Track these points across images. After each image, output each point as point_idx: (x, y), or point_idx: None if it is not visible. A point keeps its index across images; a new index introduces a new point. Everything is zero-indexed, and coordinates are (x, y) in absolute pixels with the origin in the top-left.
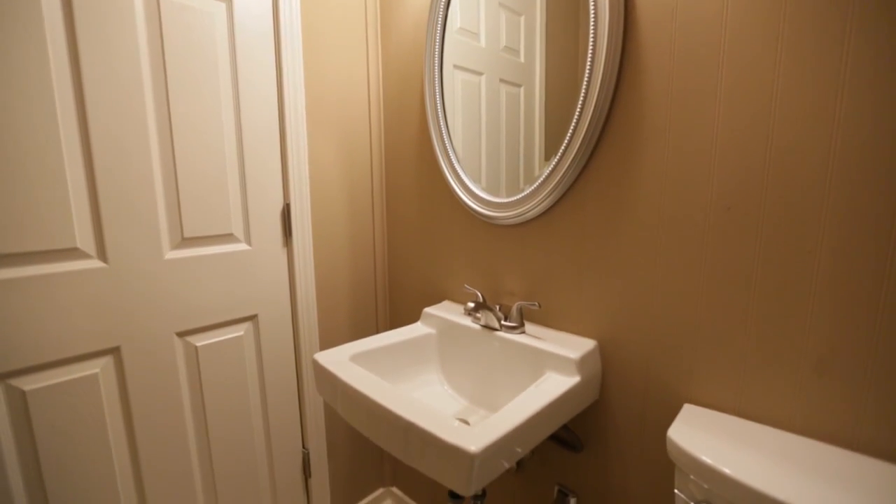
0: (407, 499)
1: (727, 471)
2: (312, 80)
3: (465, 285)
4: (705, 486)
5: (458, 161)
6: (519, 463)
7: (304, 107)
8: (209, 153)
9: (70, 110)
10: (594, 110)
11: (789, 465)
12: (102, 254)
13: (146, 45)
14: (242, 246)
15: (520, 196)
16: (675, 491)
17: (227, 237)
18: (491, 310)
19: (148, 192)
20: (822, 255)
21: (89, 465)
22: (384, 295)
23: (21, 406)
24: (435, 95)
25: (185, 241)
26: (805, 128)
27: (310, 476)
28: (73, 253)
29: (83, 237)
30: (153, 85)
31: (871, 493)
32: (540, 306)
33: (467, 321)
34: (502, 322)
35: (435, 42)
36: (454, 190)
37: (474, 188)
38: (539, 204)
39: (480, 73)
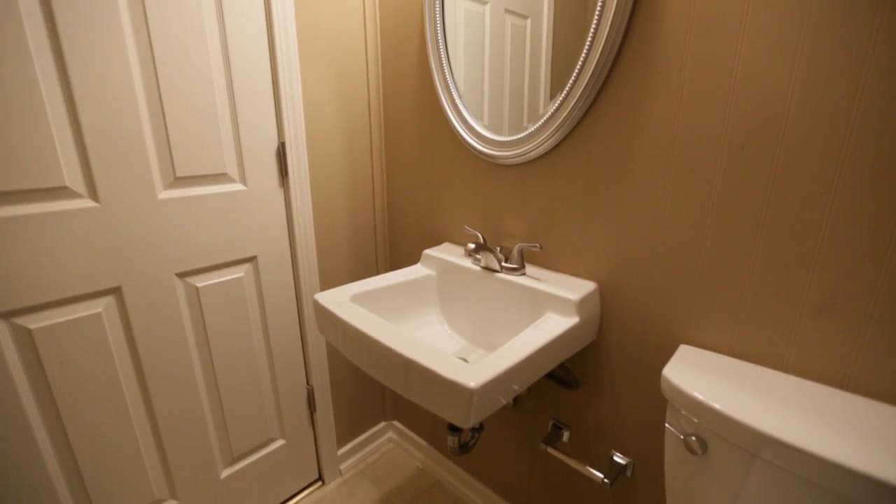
0: (408, 431)
1: (717, 406)
2: (304, 8)
3: (466, 227)
4: (695, 420)
5: (460, 96)
6: (516, 399)
7: (295, 37)
8: (196, 86)
9: (43, 43)
10: (605, 44)
11: (779, 402)
12: (93, 193)
13: None
14: (238, 186)
15: (523, 134)
16: (667, 425)
17: (222, 177)
18: (491, 251)
19: (135, 128)
20: (834, 197)
21: (102, 401)
22: (384, 236)
23: (29, 344)
24: (436, 25)
25: (179, 181)
26: (832, 64)
27: (315, 410)
28: (62, 192)
29: (71, 176)
30: (130, 9)
31: (859, 428)
32: (541, 248)
33: (467, 263)
34: (503, 264)
35: None
36: (455, 127)
37: (476, 125)
38: (543, 143)
39: (485, 2)
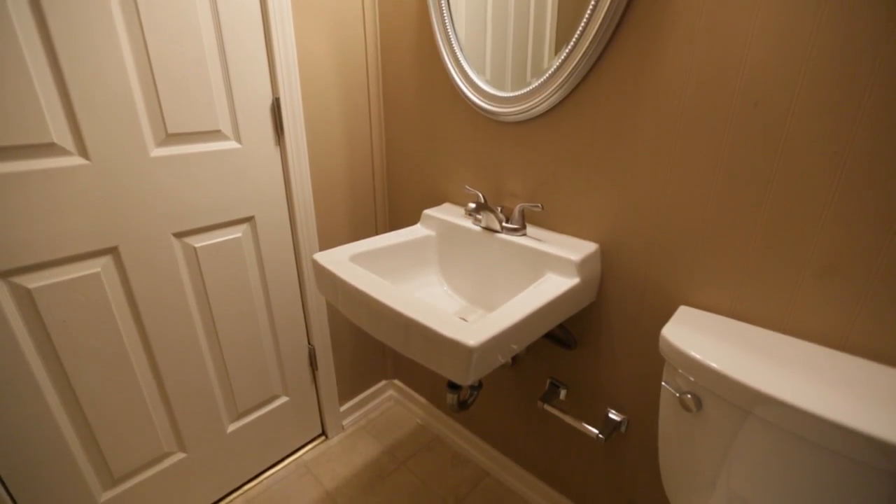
0: (408, 389)
1: (714, 365)
2: None
3: (466, 186)
4: (692, 378)
5: (461, 49)
6: (514, 358)
7: None
8: (184, 36)
9: None
10: None
11: (776, 362)
12: (83, 150)
13: None
14: (232, 144)
15: (526, 90)
16: (663, 383)
17: (215, 134)
18: (492, 211)
19: (122, 81)
20: (848, 156)
21: (107, 359)
22: (383, 196)
23: (29, 303)
24: None
25: (171, 138)
26: (860, 7)
27: (316, 369)
28: (50, 149)
29: (58, 132)
30: None
31: (854, 388)
32: (542, 208)
33: (468, 223)
34: (503, 224)
35: None
36: (456, 82)
37: (478, 80)
38: (547, 99)
39: None
